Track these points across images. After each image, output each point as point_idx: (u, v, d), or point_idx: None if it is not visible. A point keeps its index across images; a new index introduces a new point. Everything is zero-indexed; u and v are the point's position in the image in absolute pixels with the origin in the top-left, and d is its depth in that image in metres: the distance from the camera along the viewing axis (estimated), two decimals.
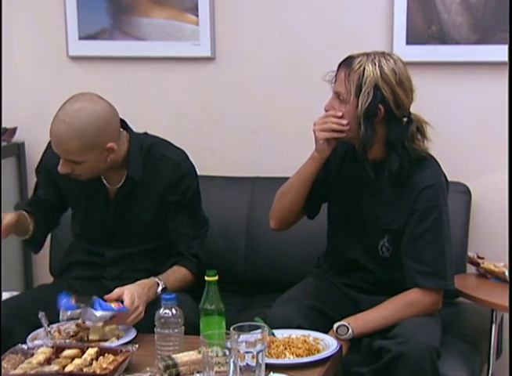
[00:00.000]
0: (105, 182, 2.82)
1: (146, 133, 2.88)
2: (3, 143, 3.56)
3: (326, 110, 2.66)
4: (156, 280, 2.70)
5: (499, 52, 3.11)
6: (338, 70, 2.63)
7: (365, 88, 2.54)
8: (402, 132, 2.60)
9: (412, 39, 3.22)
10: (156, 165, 2.81)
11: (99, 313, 2.44)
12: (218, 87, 3.49)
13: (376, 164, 2.66)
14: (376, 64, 2.55)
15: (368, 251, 2.76)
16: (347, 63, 2.60)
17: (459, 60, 3.21)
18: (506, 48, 3.06)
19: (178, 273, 2.81)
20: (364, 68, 2.55)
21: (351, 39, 3.24)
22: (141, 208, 2.83)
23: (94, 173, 2.72)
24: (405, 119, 2.61)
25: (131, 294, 2.55)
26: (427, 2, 3.19)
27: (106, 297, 2.53)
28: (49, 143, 2.85)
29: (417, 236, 2.64)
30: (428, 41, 3.21)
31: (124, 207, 2.83)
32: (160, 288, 2.68)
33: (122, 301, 2.51)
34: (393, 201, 2.68)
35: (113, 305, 2.48)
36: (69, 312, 2.45)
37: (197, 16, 3.41)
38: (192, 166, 2.88)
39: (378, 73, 2.54)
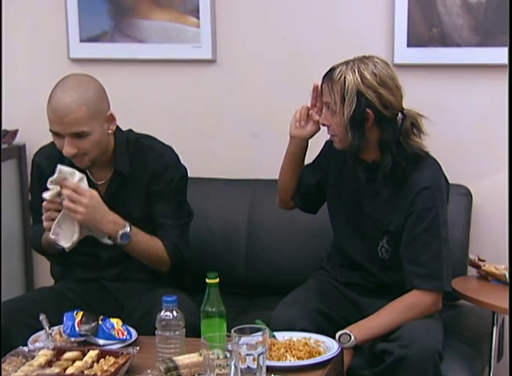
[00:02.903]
0: (92, 178, 2.81)
1: (131, 130, 2.89)
2: (4, 145, 3.56)
3: (323, 124, 2.71)
4: (126, 224, 2.70)
5: (500, 55, 3.11)
6: (322, 83, 2.68)
7: (349, 97, 2.57)
8: (395, 131, 2.62)
9: (413, 42, 3.22)
10: (141, 157, 2.82)
11: (101, 342, 2.44)
12: (219, 89, 3.49)
13: (375, 166, 2.67)
14: (356, 71, 2.58)
15: (368, 253, 2.77)
16: (329, 75, 2.65)
17: (460, 63, 3.21)
18: (506, 50, 3.06)
19: (153, 241, 2.80)
20: (345, 77, 2.59)
21: (352, 42, 3.24)
22: (132, 204, 2.83)
23: (98, 150, 2.70)
24: (398, 116, 2.63)
25: (94, 197, 2.62)
26: (427, 5, 3.19)
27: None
28: (38, 152, 2.92)
29: (414, 238, 2.65)
30: (429, 43, 3.21)
31: (116, 203, 2.80)
32: (121, 231, 2.68)
33: (128, 331, 2.51)
34: (391, 202, 2.69)
35: (117, 335, 2.47)
36: (72, 339, 2.46)
37: (198, 18, 3.41)
38: (178, 158, 2.87)
39: (358, 79, 2.57)
